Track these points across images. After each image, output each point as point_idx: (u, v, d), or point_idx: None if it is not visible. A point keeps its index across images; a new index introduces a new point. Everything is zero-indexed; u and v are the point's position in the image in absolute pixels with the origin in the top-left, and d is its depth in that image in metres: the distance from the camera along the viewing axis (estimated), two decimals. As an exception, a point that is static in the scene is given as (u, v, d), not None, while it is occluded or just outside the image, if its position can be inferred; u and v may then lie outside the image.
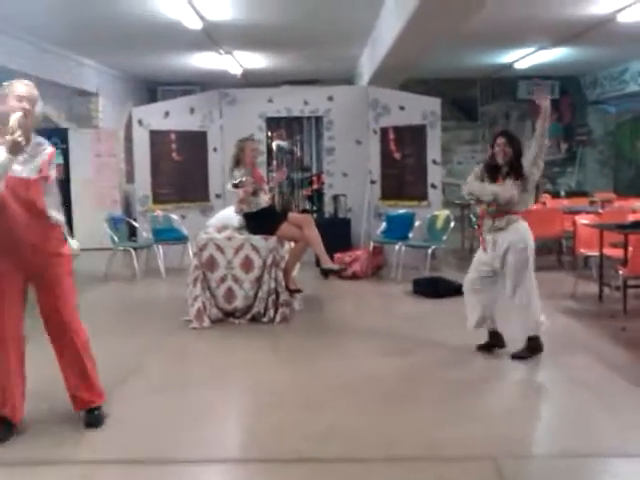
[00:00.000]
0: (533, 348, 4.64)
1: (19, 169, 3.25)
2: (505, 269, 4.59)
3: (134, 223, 8.99)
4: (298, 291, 6.13)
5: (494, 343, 4.83)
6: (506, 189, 4.52)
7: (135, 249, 8.17)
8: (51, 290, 3.44)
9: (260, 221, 5.96)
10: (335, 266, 6.31)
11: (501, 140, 4.61)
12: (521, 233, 4.58)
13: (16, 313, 3.43)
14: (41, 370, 3.70)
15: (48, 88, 10.57)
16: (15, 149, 3.11)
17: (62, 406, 3.62)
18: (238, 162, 6.02)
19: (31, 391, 3.55)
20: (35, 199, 3.32)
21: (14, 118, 3.14)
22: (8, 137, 3.11)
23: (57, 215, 3.44)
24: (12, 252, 3.32)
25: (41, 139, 3.42)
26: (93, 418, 3.54)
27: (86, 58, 10.86)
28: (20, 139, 3.09)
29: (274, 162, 11.26)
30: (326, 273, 6.30)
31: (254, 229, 5.96)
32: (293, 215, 6.32)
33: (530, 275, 4.58)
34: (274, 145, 11.41)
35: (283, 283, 5.87)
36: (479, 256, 4.78)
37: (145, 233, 8.57)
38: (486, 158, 4.89)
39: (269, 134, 10.91)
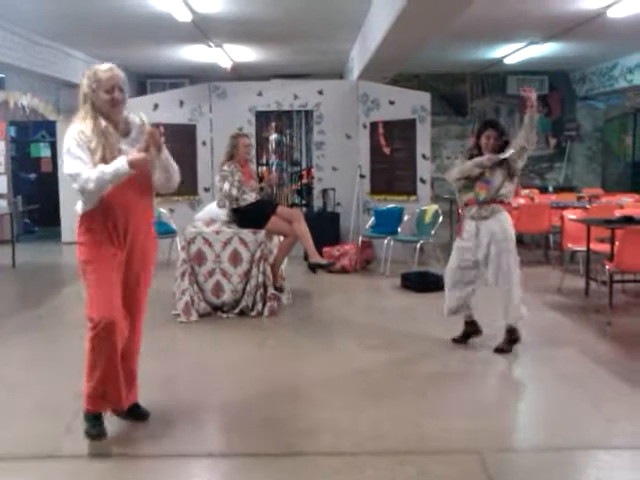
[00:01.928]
0: (513, 339, 4.69)
1: (128, 150, 3.21)
2: (488, 259, 4.63)
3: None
4: (280, 289, 6.14)
5: (470, 331, 4.88)
6: (495, 173, 4.56)
7: (123, 242, 8.12)
8: (140, 279, 3.48)
9: (249, 215, 5.95)
10: (323, 261, 6.31)
11: (491, 132, 4.60)
12: (503, 223, 4.61)
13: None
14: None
15: (36, 80, 10.51)
16: (139, 165, 3.14)
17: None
18: (231, 157, 6.02)
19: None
20: (146, 180, 3.35)
21: (140, 158, 3.14)
22: (139, 154, 3.13)
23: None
24: (121, 237, 3.29)
25: (132, 116, 3.35)
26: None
27: (74, 50, 10.78)
28: (150, 158, 3.18)
29: (273, 156, 11.26)
30: (314, 268, 6.31)
31: (243, 223, 5.95)
32: (282, 209, 6.31)
33: (514, 265, 4.62)
34: (272, 138, 11.40)
35: (271, 277, 5.88)
36: (460, 245, 4.78)
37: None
38: (469, 148, 4.88)
39: (272, 127, 10.93)
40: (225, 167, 5.96)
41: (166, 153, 3.35)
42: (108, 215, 3.24)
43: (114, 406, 3.39)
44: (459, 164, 4.74)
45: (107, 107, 3.20)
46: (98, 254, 3.24)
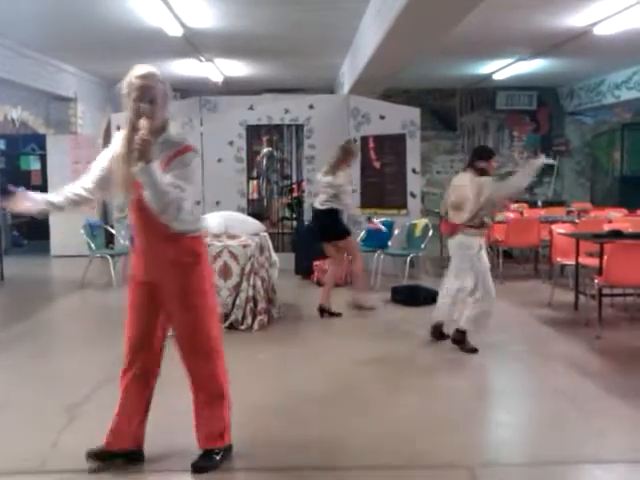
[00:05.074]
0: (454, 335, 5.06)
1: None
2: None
3: (111, 230, 8.92)
4: (338, 314, 6.25)
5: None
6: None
7: (112, 256, 8.10)
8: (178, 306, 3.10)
9: (332, 225, 6.17)
10: (371, 305, 6.57)
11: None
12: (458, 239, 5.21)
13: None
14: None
15: (26, 93, 10.49)
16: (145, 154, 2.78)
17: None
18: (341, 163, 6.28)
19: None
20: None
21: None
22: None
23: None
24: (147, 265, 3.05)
25: (171, 135, 3.10)
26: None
27: (65, 64, 10.78)
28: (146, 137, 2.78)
29: (264, 169, 11.28)
30: (360, 308, 6.51)
31: (323, 228, 6.22)
32: (350, 241, 6.34)
33: (452, 274, 5.15)
34: (264, 152, 11.41)
35: (262, 291, 5.86)
36: None
37: (122, 240, 8.50)
38: None
39: (265, 140, 10.95)
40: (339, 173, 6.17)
41: (155, 176, 2.83)
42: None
43: None
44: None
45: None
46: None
